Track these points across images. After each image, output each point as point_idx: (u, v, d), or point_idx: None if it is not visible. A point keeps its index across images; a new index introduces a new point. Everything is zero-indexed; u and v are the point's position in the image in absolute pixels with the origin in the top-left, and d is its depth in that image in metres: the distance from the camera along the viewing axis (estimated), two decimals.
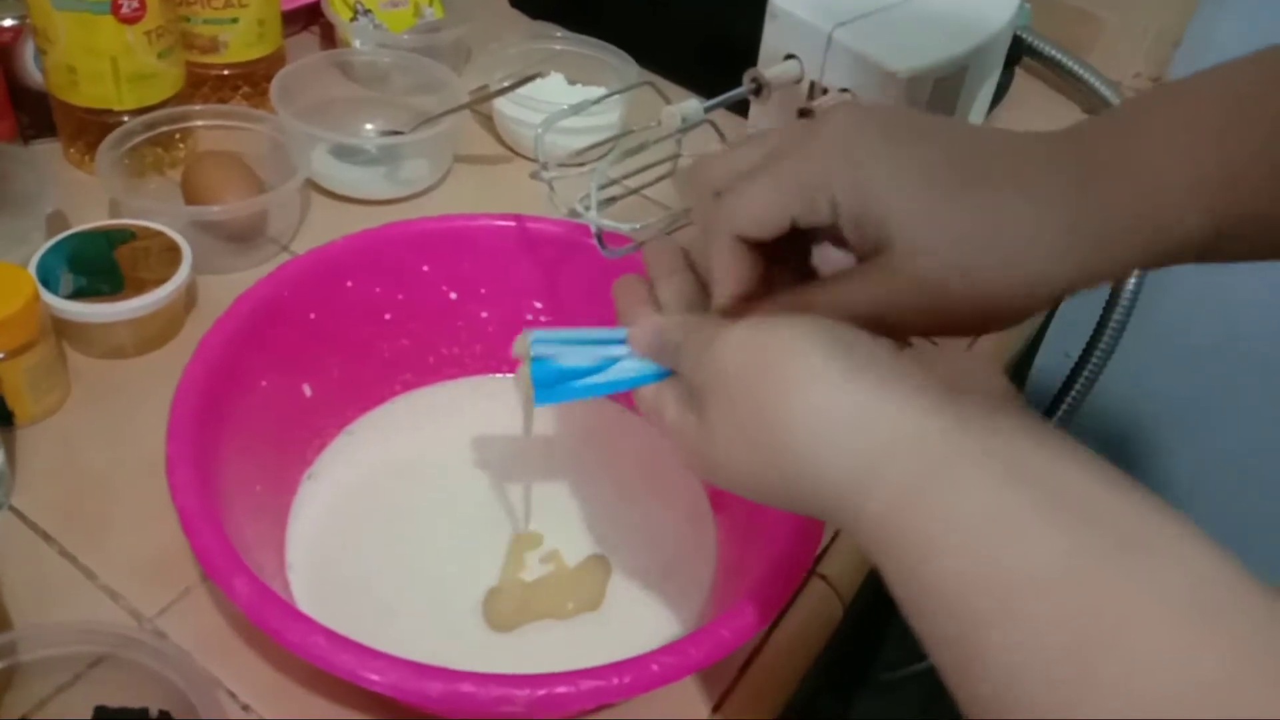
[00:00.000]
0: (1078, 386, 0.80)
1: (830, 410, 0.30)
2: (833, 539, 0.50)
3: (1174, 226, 0.34)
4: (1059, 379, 0.81)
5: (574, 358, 0.38)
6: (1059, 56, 0.82)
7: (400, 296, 0.51)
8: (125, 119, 0.61)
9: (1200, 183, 0.33)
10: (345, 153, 0.66)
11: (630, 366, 0.38)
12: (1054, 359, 0.95)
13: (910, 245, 0.33)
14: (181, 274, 0.53)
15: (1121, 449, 1.12)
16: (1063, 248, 0.34)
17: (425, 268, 0.51)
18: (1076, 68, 0.82)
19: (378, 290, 0.51)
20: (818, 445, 0.30)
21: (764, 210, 0.35)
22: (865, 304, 0.35)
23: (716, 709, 0.43)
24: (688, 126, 0.48)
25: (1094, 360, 0.78)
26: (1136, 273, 0.73)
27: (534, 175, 0.49)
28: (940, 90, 0.50)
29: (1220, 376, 1.05)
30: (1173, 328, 1.04)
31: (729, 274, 0.37)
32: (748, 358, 0.32)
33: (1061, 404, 0.81)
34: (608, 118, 0.69)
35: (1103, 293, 0.75)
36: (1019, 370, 0.96)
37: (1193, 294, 1.03)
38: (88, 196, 0.61)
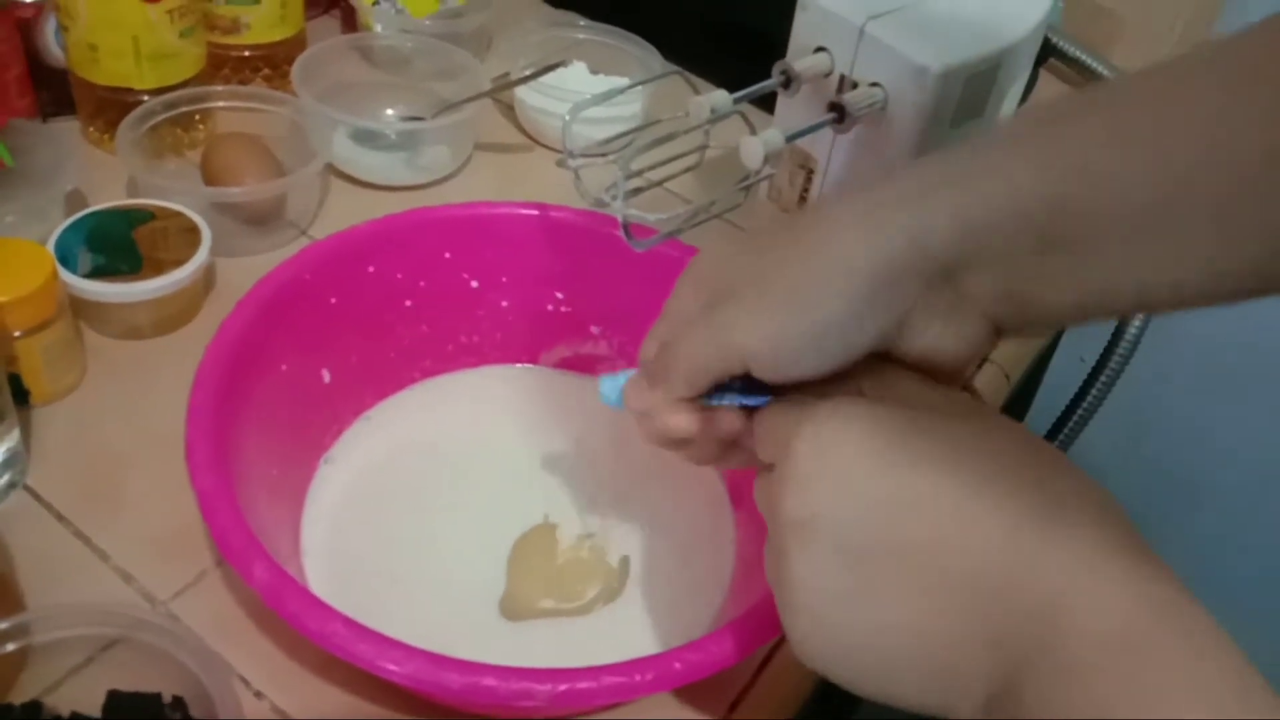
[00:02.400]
0: (1093, 392, 0.79)
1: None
2: None
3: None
4: (1074, 384, 0.80)
5: None
6: (1084, 58, 0.82)
7: (421, 283, 0.51)
8: (145, 98, 0.61)
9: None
10: (365, 137, 0.65)
11: None
12: (1069, 363, 0.95)
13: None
14: (200, 255, 0.53)
15: (1137, 456, 1.12)
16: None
17: (447, 254, 0.51)
18: (1102, 70, 0.81)
19: (399, 276, 0.50)
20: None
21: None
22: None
23: (734, 708, 0.43)
24: (716, 118, 0.48)
25: (1111, 365, 0.78)
26: None
27: (560, 163, 0.48)
28: (972, 88, 0.49)
29: (1239, 384, 1.05)
30: (1190, 334, 1.03)
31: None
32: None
33: (1076, 409, 0.80)
34: (631, 108, 0.69)
35: None
36: (1033, 374, 0.96)
37: None
38: (107, 175, 0.61)
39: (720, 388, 0.36)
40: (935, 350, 0.34)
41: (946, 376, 0.35)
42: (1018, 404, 0.93)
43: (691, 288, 0.37)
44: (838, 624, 0.30)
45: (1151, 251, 0.30)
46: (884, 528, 0.29)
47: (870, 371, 0.34)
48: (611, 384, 0.40)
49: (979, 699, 0.28)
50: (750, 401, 0.36)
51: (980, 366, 0.61)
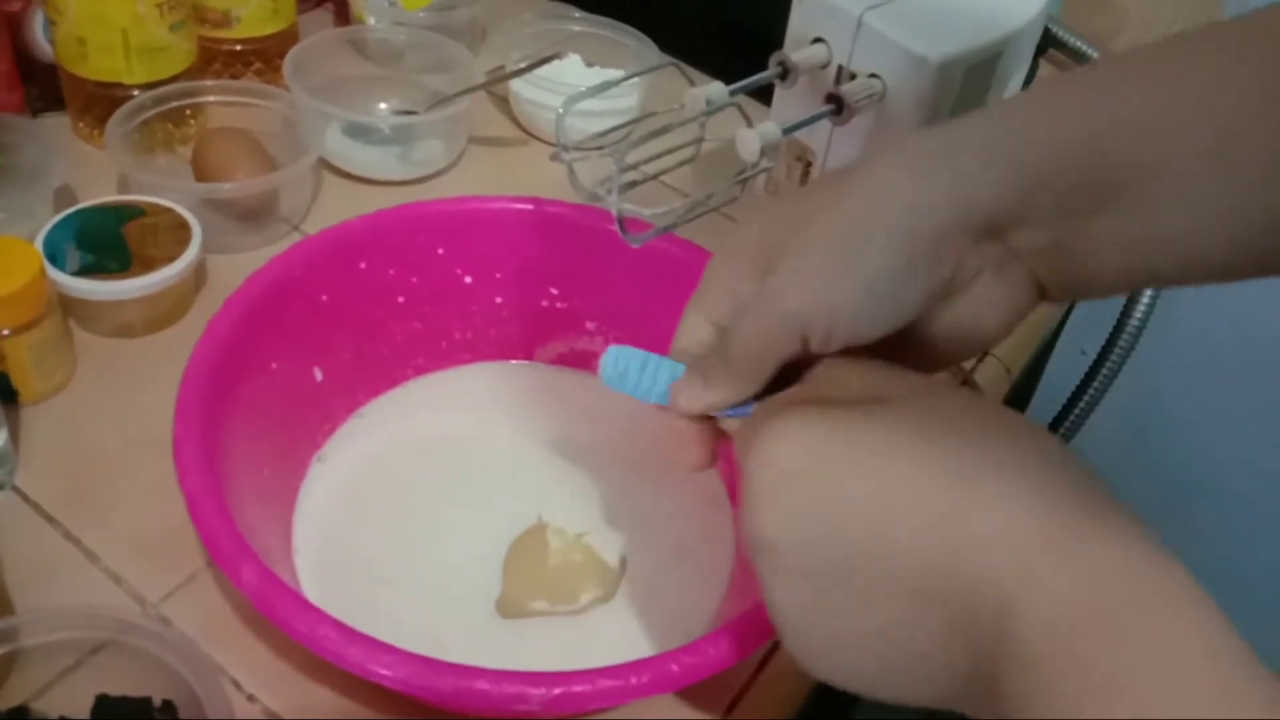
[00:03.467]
0: (1095, 385, 0.79)
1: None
2: None
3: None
4: (1075, 377, 0.80)
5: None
6: (1085, 49, 0.81)
7: (414, 279, 0.50)
8: (135, 93, 0.60)
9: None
10: (358, 132, 0.65)
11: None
12: (1070, 356, 0.94)
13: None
14: (191, 252, 0.52)
15: (1139, 450, 1.11)
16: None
17: (440, 250, 0.50)
18: None
19: (391, 272, 0.49)
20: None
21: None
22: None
23: (731, 708, 0.42)
24: (712, 110, 0.47)
25: (1113, 358, 0.77)
26: None
27: (554, 157, 0.47)
28: (971, 78, 0.49)
29: (1239, 377, 1.05)
30: (1192, 328, 1.03)
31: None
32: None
33: (1077, 403, 0.80)
34: (626, 101, 0.68)
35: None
36: (1034, 368, 0.95)
37: (1213, 294, 1.02)
38: (96, 171, 0.60)
39: None
40: (979, 311, 0.33)
41: (986, 341, 0.34)
42: (1018, 398, 0.93)
43: (732, 261, 0.35)
44: (815, 636, 0.30)
45: (1201, 199, 0.30)
46: (826, 540, 0.28)
47: (827, 369, 0.33)
48: (615, 364, 0.38)
49: (972, 691, 0.27)
50: (735, 413, 0.35)
51: (981, 360, 0.61)
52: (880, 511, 0.28)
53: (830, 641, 0.29)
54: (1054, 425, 0.81)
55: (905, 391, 0.31)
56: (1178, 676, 0.23)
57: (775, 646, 0.44)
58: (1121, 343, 0.75)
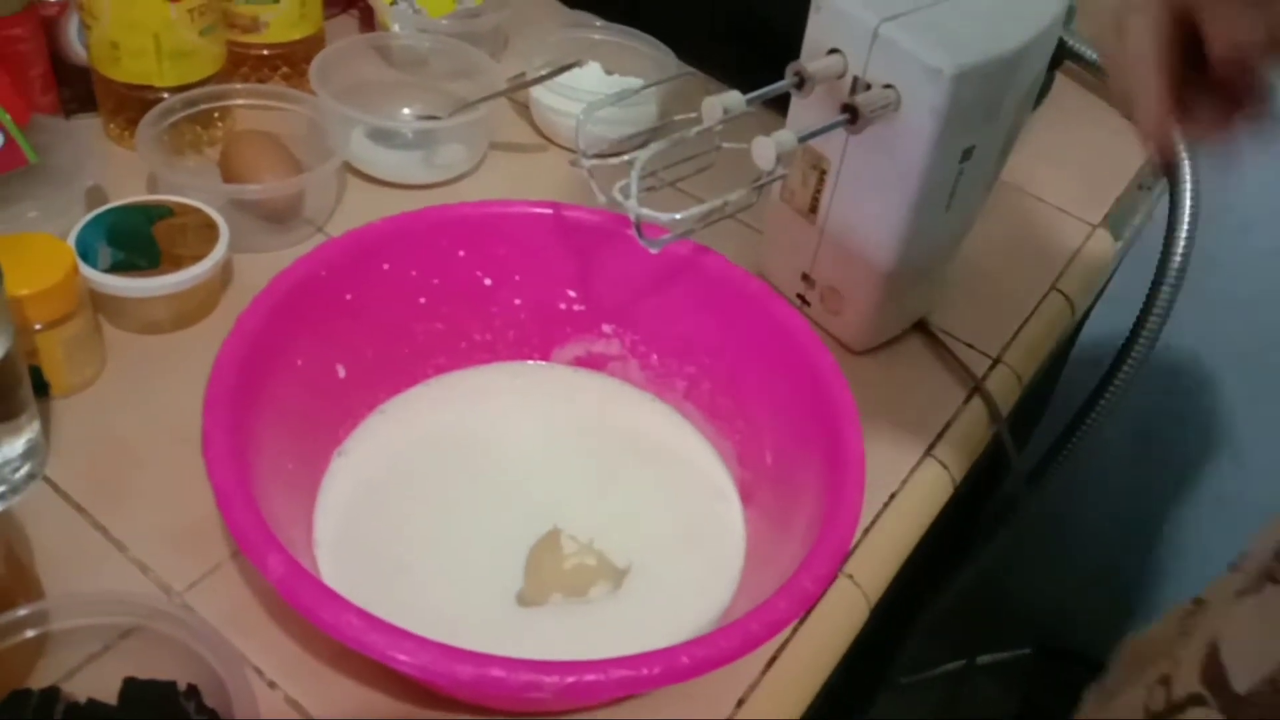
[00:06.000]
0: (1109, 392, 0.79)
1: None
2: (862, 536, 0.50)
3: None
4: (1091, 381, 0.80)
5: None
6: (1098, 60, 0.82)
7: (435, 280, 0.51)
8: (165, 96, 0.62)
9: None
10: (382, 136, 0.66)
11: None
12: (1084, 365, 0.94)
13: None
14: (218, 251, 0.54)
15: (1151, 457, 1.11)
16: None
17: (461, 253, 0.51)
18: None
19: (414, 274, 0.51)
20: None
21: None
22: None
23: (741, 704, 0.43)
24: (729, 118, 0.48)
25: (1127, 365, 0.77)
26: None
27: (573, 163, 0.48)
28: (985, 89, 0.49)
29: (1251, 384, 1.04)
30: (1206, 333, 1.03)
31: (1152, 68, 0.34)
32: None
33: (1092, 409, 0.80)
34: (644, 109, 0.69)
35: (1159, 244, 0.73)
36: (1050, 373, 0.95)
37: (1223, 306, 1.02)
38: (127, 172, 0.61)
39: None
40: None
41: None
42: (1033, 402, 0.93)
43: None
44: None
45: None
46: None
47: None
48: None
49: None
50: None
51: (992, 368, 0.61)
52: None
53: None
54: (1068, 431, 0.81)
55: None
56: None
57: (785, 644, 0.45)
58: (1137, 349, 0.75)
